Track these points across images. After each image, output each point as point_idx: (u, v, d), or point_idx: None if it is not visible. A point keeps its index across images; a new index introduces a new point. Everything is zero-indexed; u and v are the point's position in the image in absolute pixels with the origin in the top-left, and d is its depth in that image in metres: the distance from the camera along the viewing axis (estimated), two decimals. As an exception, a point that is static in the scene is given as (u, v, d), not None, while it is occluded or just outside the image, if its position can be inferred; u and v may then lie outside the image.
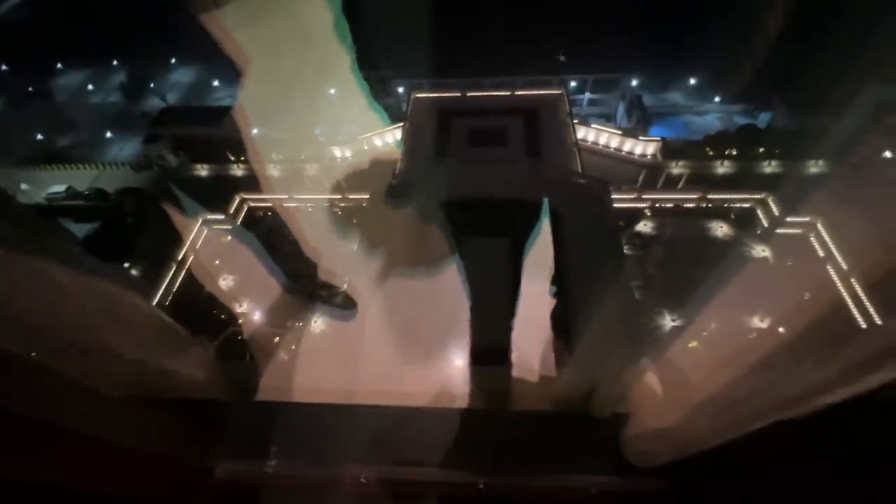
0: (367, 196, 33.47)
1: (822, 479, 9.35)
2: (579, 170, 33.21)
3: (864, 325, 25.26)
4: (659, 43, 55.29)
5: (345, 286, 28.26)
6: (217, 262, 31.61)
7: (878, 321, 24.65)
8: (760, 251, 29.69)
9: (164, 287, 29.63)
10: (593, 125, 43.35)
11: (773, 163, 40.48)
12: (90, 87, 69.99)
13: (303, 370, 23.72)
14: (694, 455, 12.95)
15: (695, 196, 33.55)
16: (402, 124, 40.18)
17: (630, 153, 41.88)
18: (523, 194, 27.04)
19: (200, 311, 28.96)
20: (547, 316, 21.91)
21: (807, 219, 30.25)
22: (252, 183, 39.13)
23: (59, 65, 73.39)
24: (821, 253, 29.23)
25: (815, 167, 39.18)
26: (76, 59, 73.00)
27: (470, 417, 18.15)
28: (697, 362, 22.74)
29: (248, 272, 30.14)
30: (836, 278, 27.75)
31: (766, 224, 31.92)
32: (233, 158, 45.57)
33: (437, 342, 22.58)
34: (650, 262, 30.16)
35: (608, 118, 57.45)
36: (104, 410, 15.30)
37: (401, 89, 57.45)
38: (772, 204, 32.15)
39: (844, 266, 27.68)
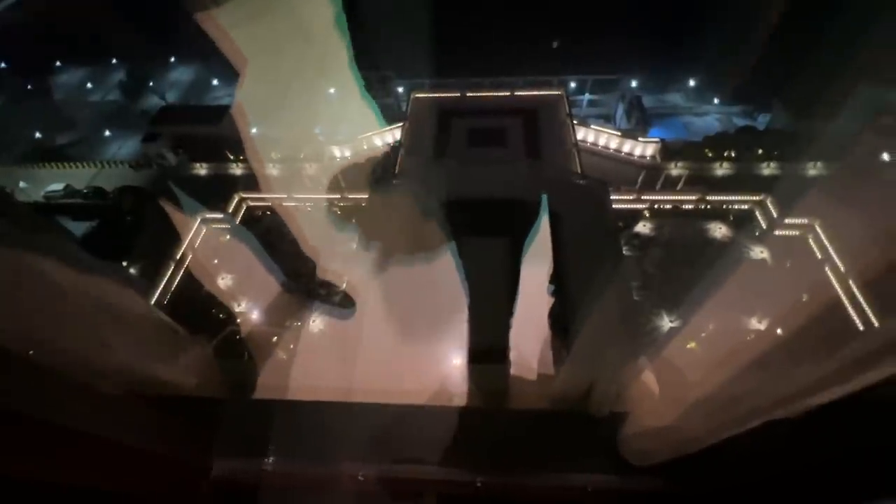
0: (367, 196, 33.49)
1: (816, 477, 9.42)
2: (579, 170, 33.28)
3: (861, 327, 25.34)
4: (659, 44, 55.34)
5: (344, 285, 28.28)
6: (216, 261, 31.60)
7: (875, 322, 24.74)
8: (759, 252, 29.79)
9: (162, 286, 29.60)
10: (593, 126, 43.40)
11: (772, 164, 40.58)
12: (89, 85, 69.82)
13: (301, 369, 23.74)
14: (690, 454, 13.02)
15: (694, 197, 33.65)
16: (401, 124, 40.20)
17: (629, 154, 41.95)
18: (523, 194, 27.10)
19: (199, 310, 28.95)
20: (545, 315, 21.97)
21: (805, 220, 30.36)
22: (251, 182, 39.11)
23: (58, 63, 73.20)
24: (819, 255, 29.34)
25: (813, 169, 39.31)
26: (75, 58, 72.80)
27: (468, 416, 18.21)
28: (695, 362, 22.83)
29: (247, 271, 30.14)
30: (833, 280, 27.85)
31: (764, 225, 32.02)
32: (232, 157, 45.52)
33: (435, 341, 22.62)
34: (649, 263, 30.26)
35: (607, 119, 57.51)
36: (102, 409, 15.32)
37: (400, 89, 57.46)
38: (770, 205, 32.26)
39: (842, 268, 27.79)
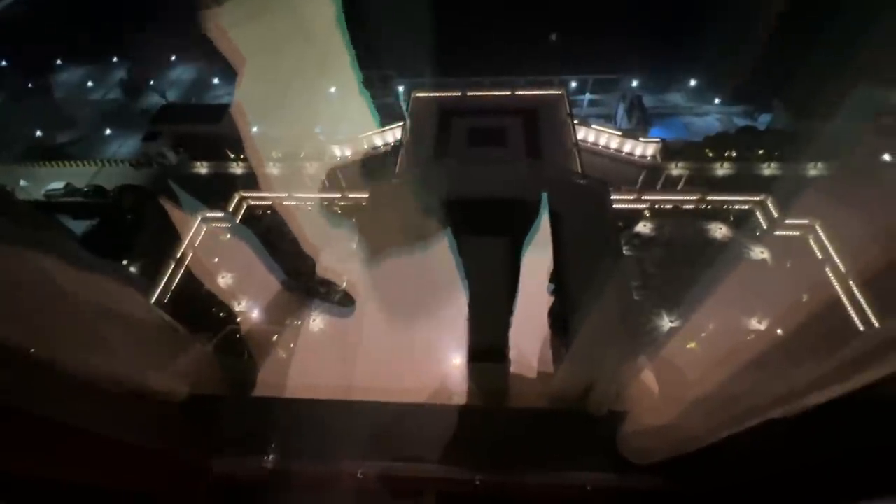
0: (367, 195, 33.49)
1: (815, 475, 9.43)
2: (579, 170, 33.28)
3: (861, 327, 25.33)
4: (659, 44, 55.31)
5: (344, 284, 28.30)
6: (216, 259, 31.62)
7: (875, 323, 24.74)
8: (759, 253, 29.76)
9: (162, 284, 29.64)
10: (593, 126, 43.41)
11: (773, 164, 40.56)
12: (90, 83, 69.84)
13: (301, 367, 23.77)
14: (689, 453, 13.04)
15: (694, 197, 33.63)
16: (402, 123, 40.20)
17: (630, 154, 41.95)
18: (523, 194, 27.10)
19: (199, 308, 28.97)
20: (545, 314, 21.99)
21: (805, 221, 30.34)
22: (251, 181, 39.13)
23: (58, 61, 73.22)
24: (819, 255, 29.32)
25: (814, 169, 39.28)
26: (76, 56, 72.84)
27: (467, 414, 18.23)
28: (694, 362, 22.84)
29: (248, 270, 30.16)
30: (833, 280, 27.84)
31: (764, 226, 32.00)
32: (232, 156, 45.55)
33: (435, 339, 22.64)
34: (649, 263, 30.24)
35: (608, 119, 57.50)
36: (103, 406, 15.35)
37: (401, 88, 57.47)
38: (771, 206, 32.24)
39: (842, 268, 27.77)
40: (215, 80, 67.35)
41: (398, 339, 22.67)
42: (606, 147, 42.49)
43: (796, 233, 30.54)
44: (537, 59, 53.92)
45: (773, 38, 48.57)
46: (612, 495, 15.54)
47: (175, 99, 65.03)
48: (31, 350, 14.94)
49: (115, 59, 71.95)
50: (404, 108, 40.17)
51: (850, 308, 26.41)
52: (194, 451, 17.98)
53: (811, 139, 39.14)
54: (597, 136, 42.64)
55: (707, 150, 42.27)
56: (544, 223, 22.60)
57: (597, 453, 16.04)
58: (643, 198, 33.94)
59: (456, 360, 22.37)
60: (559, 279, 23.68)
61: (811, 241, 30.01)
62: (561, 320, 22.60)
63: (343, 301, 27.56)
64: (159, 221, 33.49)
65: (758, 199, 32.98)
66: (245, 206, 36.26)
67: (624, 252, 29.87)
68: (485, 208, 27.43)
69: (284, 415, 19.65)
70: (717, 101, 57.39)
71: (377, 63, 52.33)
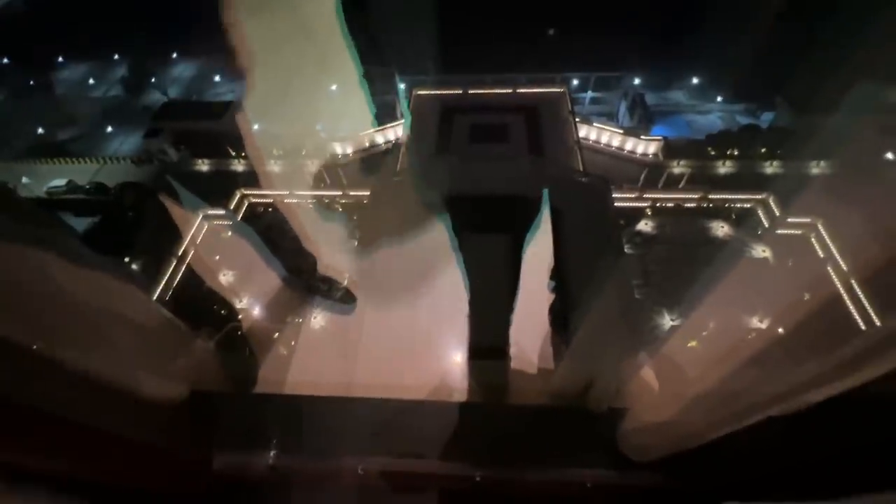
0: (368, 192, 33.50)
1: (815, 472, 9.43)
2: (581, 168, 33.22)
3: (863, 326, 25.29)
4: (662, 41, 55.07)
5: (345, 281, 28.34)
6: (217, 257, 31.70)
7: (877, 321, 24.68)
8: (761, 251, 29.69)
9: (164, 282, 29.75)
10: (595, 123, 43.31)
11: (775, 163, 40.39)
12: (91, 80, 69.90)
13: (303, 364, 23.85)
14: (689, 449, 13.05)
15: (696, 195, 33.55)
16: (403, 120, 40.14)
17: (632, 152, 41.85)
18: (524, 191, 27.08)
19: (201, 305, 29.07)
20: (545, 311, 22.01)
21: (807, 219, 30.25)
22: (253, 178, 39.16)
23: (60, 58, 73.28)
24: (821, 254, 29.24)
25: (816, 168, 39.11)
26: (77, 53, 72.86)
27: (468, 411, 18.26)
28: (695, 360, 22.83)
29: (249, 267, 30.23)
30: (835, 279, 27.76)
31: (766, 224, 31.92)
32: (233, 153, 45.58)
33: (436, 336, 22.68)
34: (651, 261, 30.18)
35: (610, 117, 57.33)
36: (104, 403, 15.41)
37: (402, 86, 57.39)
38: (773, 204, 32.15)
39: (844, 267, 27.69)
40: (217, 78, 67.33)
41: (399, 336, 22.72)
42: (608, 145, 42.39)
43: (798, 231, 30.46)
44: (539, 56, 53.75)
45: (775, 36, 48.30)
46: (611, 492, 15.57)
47: (176, 96, 65.05)
48: (34, 347, 15.00)
49: (116, 56, 71.98)
50: (405, 105, 40.06)
51: (851, 307, 26.35)
52: (195, 448, 18.05)
53: (813, 137, 38.95)
54: (598, 133, 42.54)
55: (709, 149, 42.12)
56: (545, 220, 22.61)
57: (597, 450, 16.07)
58: (645, 196, 33.87)
59: (456, 357, 22.42)
60: (560, 276, 23.68)
61: (813, 240, 29.93)
62: (561, 317, 22.62)
63: (344, 298, 27.61)
64: (161, 219, 33.56)
65: (760, 197, 32.89)
66: (246, 204, 36.31)
67: (625, 250, 29.84)
68: (486, 205, 27.41)
69: (285, 411, 19.71)
70: (719, 98, 57.14)
71: (378, 60, 52.22)
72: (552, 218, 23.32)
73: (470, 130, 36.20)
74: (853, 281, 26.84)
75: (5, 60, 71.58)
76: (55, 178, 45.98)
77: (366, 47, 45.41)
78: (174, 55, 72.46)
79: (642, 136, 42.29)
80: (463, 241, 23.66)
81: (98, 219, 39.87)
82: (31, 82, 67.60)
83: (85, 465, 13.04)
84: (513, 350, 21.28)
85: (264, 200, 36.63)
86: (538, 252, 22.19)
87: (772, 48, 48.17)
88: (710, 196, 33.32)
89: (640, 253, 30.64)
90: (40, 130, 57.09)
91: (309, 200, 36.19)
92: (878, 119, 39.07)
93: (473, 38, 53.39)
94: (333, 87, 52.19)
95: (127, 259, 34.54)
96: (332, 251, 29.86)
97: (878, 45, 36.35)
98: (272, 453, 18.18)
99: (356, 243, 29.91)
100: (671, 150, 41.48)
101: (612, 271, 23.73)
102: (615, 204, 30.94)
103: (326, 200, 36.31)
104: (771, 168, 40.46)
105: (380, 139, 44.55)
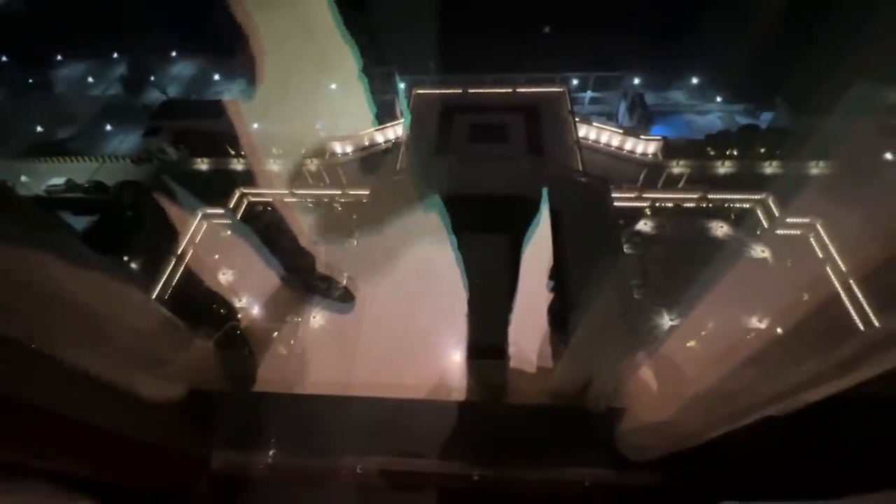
0: (368, 191, 33.48)
1: (812, 472, 9.45)
2: (580, 167, 33.23)
3: (861, 326, 25.32)
4: (661, 41, 55.10)
5: (344, 280, 28.34)
6: (217, 256, 31.67)
7: (876, 322, 24.72)
8: (760, 251, 29.72)
9: (163, 281, 29.69)
10: (595, 123, 43.30)
11: (774, 163, 40.43)
12: (90, 79, 69.80)
13: (301, 363, 23.85)
14: (688, 449, 13.07)
15: (695, 195, 33.56)
16: (403, 120, 40.11)
17: (631, 152, 41.86)
18: (524, 190, 27.08)
19: (200, 304, 29.02)
20: (544, 311, 22.02)
21: (806, 220, 30.27)
22: (252, 177, 39.12)
23: (59, 56, 73.14)
24: (820, 254, 29.27)
25: (815, 168, 39.14)
26: (76, 51, 72.73)
27: (467, 410, 18.29)
28: (694, 360, 22.86)
29: (248, 266, 30.20)
30: (834, 279, 27.80)
31: (765, 224, 31.95)
32: (233, 152, 45.52)
33: (434, 336, 22.70)
34: (650, 261, 30.20)
35: (610, 116, 57.37)
36: (103, 401, 15.39)
37: (402, 85, 57.36)
38: (772, 204, 32.17)
39: (843, 267, 27.72)
40: (216, 76, 67.23)
41: (398, 336, 22.73)
42: (608, 145, 42.40)
43: (797, 231, 30.49)
44: (539, 56, 53.75)
45: (774, 36, 48.32)
46: (610, 491, 15.60)
47: (176, 95, 64.97)
48: (33, 345, 14.98)
49: (115, 55, 71.87)
50: (405, 104, 40.04)
51: (850, 307, 26.39)
52: (194, 447, 18.05)
53: (812, 137, 39.01)
54: (598, 133, 42.55)
55: (708, 149, 42.15)
56: (544, 220, 22.61)
57: (595, 449, 16.10)
58: (644, 196, 33.87)
59: (455, 357, 22.43)
60: (559, 276, 23.69)
61: (812, 240, 29.96)
62: (560, 317, 22.64)
63: (343, 297, 27.59)
64: (160, 218, 33.50)
65: (759, 197, 32.91)
66: (246, 203, 36.26)
67: (624, 250, 29.86)
68: (485, 205, 27.41)
69: (284, 410, 19.71)
70: (718, 99, 57.20)
71: (378, 60, 52.19)
72: (551, 218, 23.33)
73: (469, 130, 36.20)
74: (852, 281, 26.88)
75: (4, 59, 71.43)
76: (54, 176, 45.92)
77: (365, 46, 45.36)
78: (174, 53, 72.34)
79: (642, 136, 42.29)
80: (462, 240, 23.67)
81: (97, 217, 39.80)
82: (30, 80, 67.53)
83: (83, 464, 13.03)
84: (511, 349, 21.30)
85: (264, 199, 36.59)
86: (537, 252, 22.20)
87: (771, 48, 48.20)
88: (709, 196, 33.34)
89: (640, 253, 30.65)
90: (39, 129, 57.00)
91: (308, 199, 36.17)
92: (877, 119, 39.14)
93: (473, 37, 53.38)
94: (333, 87, 52.15)
95: (126, 258, 34.52)
96: (332, 250, 29.85)
97: (876, 45, 36.39)
98: (271, 452, 18.19)
99: (355, 243, 29.89)
100: (670, 149, 41.50)
101: (611, 271, 23.75)
102: (614, 204, 30.95)
103: (326, 199, 36.29)
104: (770, 168, 40.49)
105: (379, 138, 44.51)
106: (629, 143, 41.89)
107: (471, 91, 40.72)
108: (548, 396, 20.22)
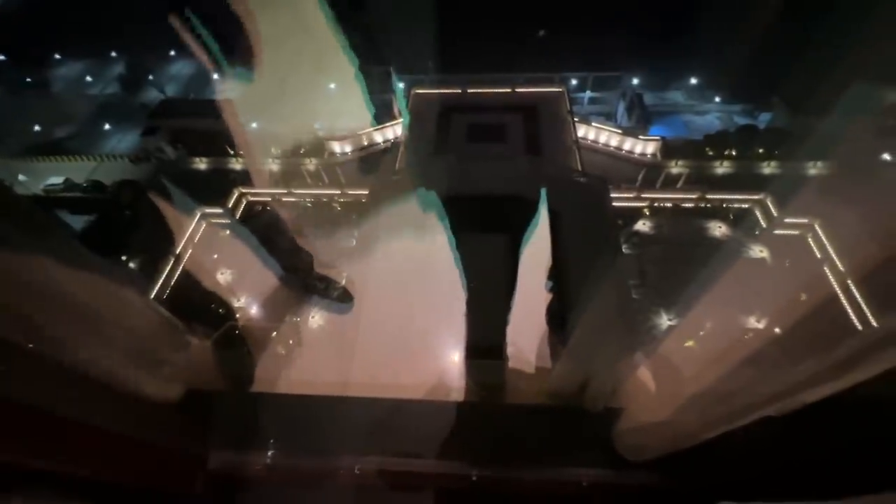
0: (366, 191, 33.44)
1: (809, 473, 9.48)
2: (579, 167, 33.22)
3: (859, 326, 25.37)
4: (660, 42, 55.16)
5: (342, 280, 28.31)
6: (215, 255, 31.59)
7: (873, 322, 24.76)
8: (758, 251, 29.77)
9: (161, 281, 29.59)
10: (593, 123, 43.28)
11: (772, 163, 40.48)
12: (88, 78, 69.55)
13: (300, 363, 23.81)
14: (685, 449, 13.10)
15: (694, 196, 33.59)
16: (401, 120, 40.06)
17: (630, 152, 41.85)
18: (522, 190, 27.05)
19: (198, 304, 28.92)
20: (543, 311, 22.01)
21: (804, 220, 30.31)
22: (251, 177, 38.99)
23: (57, 55, 72.87)
24: (818, 254, 29.31)
25: (813, 168, 39.20)
26: (74, 50, 72.48)
27: (465, 410, 18.32)
28: (691, 360, 22.88)
29: (246, 266, 30.13)
30: (832, 279, 27.84)
31: (764, 224, 31.98)
32: (231, 152, 45.39)
33: (433, 336, 22.69)
34: (648, 261, 30.21)
35: (608, 117, 57.39)
36: (102, 401, 15.37)
37: (401, 85, 57.26)
38: (770, 204, 32.20)
39: (841, 267, 27.76)
40: (214, 76, 66.96)
41: (397, 336, 22.71)
42: (606, 145, 42.39)
43: (795, 232, 30.53)
44: (538, 56, 53.79)
45: (773, 37, 48.40)
46: (607, 491, 15.63)
47: (174, 94, 64.79)
48: (30, 345, 14.94)
49: (113, 54, 71.63)
50: (403, 104, 39.95)
51: (848, 307, 26.43)
52: (192, 446, 18.04)
53: (811, 138, 39.07)
54: (597, 133, 42.54)
55: (707, 149, 42.18)
56: (543, 220, 22.57)
57: (593, 449, 16.13)
58: (643, 196, 33.88)
59: (454, 357, 22.41)
60: (557, 276, 23.69)
61: (810, 240, 30.00)
62: (559, 317, 22.63)
63: (342, 297, 27.55)
64: (158, 217, 33.38)
65: (757, 197, 32.93)
66: (244, 203, 36.17)
67: (623, 250, 29.87)
68: (484, 205, 27.40)
69: (283, 410, 19.70)
70: (717, 99, 57.29)
71: (377, 59, 52.13)
72: (550, 218, 23.28)
73: (468, 130, 36.16)
74: (850, 281, 26.91)
75: (2, 58, 71.13)
76: (52, 175, 45.75)
77: (364, 46, 45.30)
78: (172, 53, 72.10)
79: (640, 136, 42.29)
80: (460, 240, 23.63)
81: (95, 217, 39.70)
82: (28, 80, 67.30)
83: (83, 464, 13.03)
84: (510, 350, 21.29)
85: (262, 199, 36.50)
86: (536, 252, 22.16)
87: (769, 49, 48.27)
88: (707, 196, 33.36)
89: (638, 253, 30.67)
90: (37, 128, 56.81)
91: (307, 199, 36.10)
92: (875, 119, 39.20)
93: (472, 37, 53.36)
94: (332, 86, 52.04)
95: (124, 258, 34.41)
96: (330, 250, 29.81)
97: (873, 46, 36.46)
98: (269, 452, 18.18)
99: (354, 242, 29.85)
100: (669, 150, 41.51)
101: (609, 271, 23.75)
102: (613, 204, 30.95)
103: (325, 199, 36.23)
104: (768, 168, 40.52)
105: (378, 138, 44.44)
106: (628, 143, 41.90)
107: (470, 91, 40.67)
108: (546, 396, 20.23)
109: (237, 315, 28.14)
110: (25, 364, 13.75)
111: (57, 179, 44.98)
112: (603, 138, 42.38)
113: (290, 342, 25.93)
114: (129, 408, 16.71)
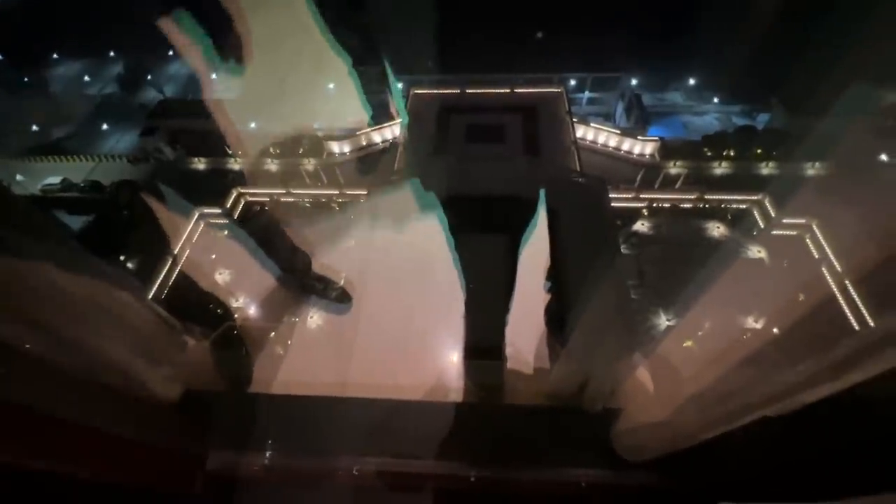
0: (365, 191, 33.43)
1: (808, 473, 9.48)
2: (577, 168, 33.25)
3: (857, 327, 25.44)
4: (659, 42, 55.28)
5: (341, 281, 28.29)
6: (213, 256, 31.54)
7: (871, 322, 24.83)
8: (756, 252, 29.84)
9: (159, 281, 29.52)
10: (592, 124, 43.34)
11: (771, 164, 40.58)
12: (87, 78, 69.42)
13: (298, 363, 23.77)
14: (684, 449, 13.10)
15: (692, 196, 33.66)
16: (400, 120, 40.05)
17: (628, 152, 41.93)
18: (521, 191, 27.07)
19: (196, 304, 28.87)
20: (541, 311, 22.02)
21: (803, 220, 30.40)
22: (249, 177, 38.97)
23: (55, 55, 72.70)
24: (816, 254, 29.39)
25: (811, 169, 39.31)
26: (73, 50, 72.33)
27: (464, 411, 18.30)
28: (690, 360, 22.92)
29: (245, 266, 30.09)
30: (830, 280, 27.91)
31: (762, 225, 32.06)
32: (230, 152, 45.31)
33: (432, 336, 22.67)
34: (647, 261, 30.26)
35: (607, 117, 57.48)
36: (100, 402, 15.33)
37: (400, 85, 57.28)
38: (768, 205, 32.28)
39: (839, 268, 27.84)
40: (213, 76, 66.84)
41: (395, 336, 22.69)
42: (605, 145, 42.46)
43: (793, 232, 30.61)
44: (536, 56, 53.85)
45: (771, 37, 48.53)
46: (606, 491, 15.63)
47: (173, 94, 64.68)
48: (28, 346, 14.88)
49: (111, 54, 71.49)
50: (401, 104, 39.95)
51: (846, 307, 26.50)
52: (190, 447, 17.99)
53: (809, 138, 39.17)
54: (595, 134, 42.60)
55: (705, 149, 42.25)
56: (542, 220, 22.59)
57: (592, 450, 16.13)
58: (641, 196, 33.95)
59: (453, 357, 22.40)
60: (556, 276, 23.70)
61: (808, 241, 30.08)
62: (557, 317, 22.63)
63: (340, 298, 27.52)
64: (156, 217, 33.32)
65: (755, 198, 33.01)
66: (243, 203, 36.12)
67: (621, 250, 29.90)
68: (483, 205, 27.39)
69: (281, 411, 19.66)
70: (715, 100, 57.44)
71: (375, 59, 52.11)
72: (548, 218, 23.31)
73: (467, 130, 36.16)
74: (847, 281, 26.99)
75: (0, 57, 70.95)
76: (50, 176, 45.59)
77: (363, 46, 45.31)
78: (171, 52, 71.95)
79: (639, 137, 42.37)
80: (459, 240, 23.63)
81: (93, 217, 39.56)
82: (26, 79, 67.07)
83: (81, 464, 12.98)
84: (509, 350, 21.28)
85: (261, 199, 36.46)
86: (534, 252, 22.18)
87: (767, 50, 48.40)
88: (706, 196, 33.44)
89: (637, 253, 30.72)
90: (35, 128, 56.67)
91: (306, 199, 36.07)
92: (873, 120, 39.34)
93: (471, 38, 53.38)
94: (331, 86, 52.02)
95: (122, 258, 34.28)
96: (329, 250, 29.78)
97: (872, 46, 36.58)
98: (267, 453, 18.14)
99: (353, 243, 29.81)
100: (668, 150, 41.59)
101: (608, 271, 23.77)
102: (612, 204, 31.00)
103: (323, 199, 36.20)
104: (766, 169, 40.61)
105: (377, 138, 44.42)
106: (626, 144, 41.97)
107: (468, 91, 40.68)
108: (545, 397, 20.23)
109: (235, 315, 28.09)
110: (24, 365, 13.70)
111: (55, 179, 44.83)
112: (602, 139, 42.45)
113: (289, 343, 25.89)
114: (127, 408, 16.67)
